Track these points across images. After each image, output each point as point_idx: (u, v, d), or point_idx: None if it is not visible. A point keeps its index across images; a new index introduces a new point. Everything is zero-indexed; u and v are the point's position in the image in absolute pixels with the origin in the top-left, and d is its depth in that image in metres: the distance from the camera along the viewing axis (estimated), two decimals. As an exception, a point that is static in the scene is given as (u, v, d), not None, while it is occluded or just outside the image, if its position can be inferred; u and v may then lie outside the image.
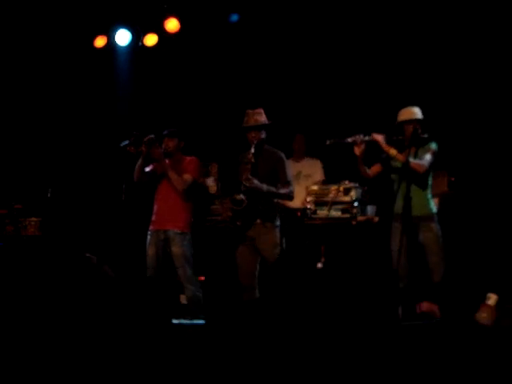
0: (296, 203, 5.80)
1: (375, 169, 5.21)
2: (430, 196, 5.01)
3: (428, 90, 6.11)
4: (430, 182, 5.02)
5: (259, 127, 5.01)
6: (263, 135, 5.04)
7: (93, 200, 7.33)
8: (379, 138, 5.02)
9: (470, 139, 6.01)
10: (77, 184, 7.42)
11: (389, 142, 5.04)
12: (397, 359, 2.16)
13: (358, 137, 5.07)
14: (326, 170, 6.51)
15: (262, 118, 5.05)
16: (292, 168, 5.71)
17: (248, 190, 4.81)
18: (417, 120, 4.99)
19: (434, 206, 5.02)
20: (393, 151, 4.96)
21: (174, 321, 5.59)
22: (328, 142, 5.20)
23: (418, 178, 4.90)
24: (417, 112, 5.04)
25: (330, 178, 6.35)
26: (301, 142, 6.59)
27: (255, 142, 4.96)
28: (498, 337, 2.16)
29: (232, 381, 2.20)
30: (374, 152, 5.15)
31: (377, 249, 5.44)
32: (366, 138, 5.05)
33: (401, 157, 4.91)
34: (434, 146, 4.98)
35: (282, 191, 5.00)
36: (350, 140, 5.10)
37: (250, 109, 5.09)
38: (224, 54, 7.17)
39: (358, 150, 5.06)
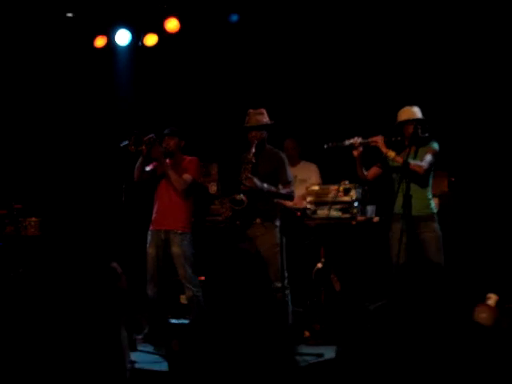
0: (290, 204, 5.83)
1: (374, 171, 5.20)
2: (430, 196, 5.01)
3: (428, 90, 6.10)
4: (430, 182, 5.02)
5: (260, 127, 5.02)
6: (264, 135, 5.05)
7: (93, 200, 7.34)
8: (378, 140, 5.02)
9: (470, 139, 6.01)
10: (77, 184, 7.42)
11: (388, 142, 5.04)
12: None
13: (355, 139, 5.07)
14: (325, 170, 6.49)
15: (264, 119, 5.06)
16: None
17: (248, 189, 4.81)
18: (417, 120, 4.99)
19: (434, 206, 5.02)
20: (391, 153, 4.96)
21: (174, 321, 5.61)
22: (326, 146, 5.22)
23: (418, 178, 4.89)
24: (416, 112, 5.03)
25: (329, 178, 6.34)
26: (292, 146, 6.43)
27: (256, 141, 4.97)
28: (498, 337, 2.16)
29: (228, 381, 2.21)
30: (372, 154, 5.15)
31: (377, 249, 5.44)
32: (364, 140, 5.06)
33: (399, 159, 4.91)
34: (435, 145, 4.98)
35: (283, 191, 5.00)
36: (347, 143, 5.10)
37: (251, 109, 5.10)
38: (224, 54, 7.17)
39: (356, 153, 5.07)
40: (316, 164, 6.47)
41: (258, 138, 4.99)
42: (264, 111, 5.08)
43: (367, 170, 5.20)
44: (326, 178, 6.35)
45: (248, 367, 2.19)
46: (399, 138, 5.04)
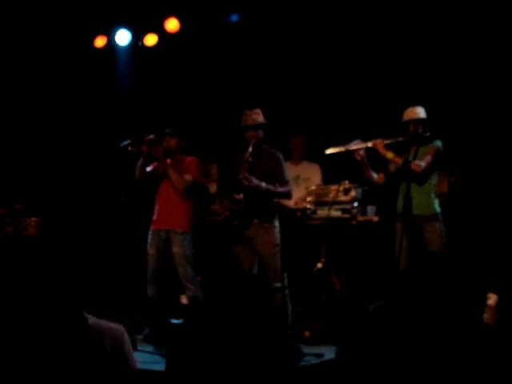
0: (291, 204, 5.85)
1: (383, 175, 5.20)
2: (433, 195, 5.01)
3: (429, 90, 6.10)
4: (433, 182, 5.02)
5: (257, 126, 5.05)
6: (261, 135, 5.08)
7: (93, 200, 7.33)
8: (377, 143, 5.02)
9: (471, 140, 6.01)
10: (77, 184, 7.41)
11: (389, 144, 5.04)
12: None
13: (355, 143, 5.08)
14: (327, 170, 6.49)
15: (260, 118, 5.09)
16: (290, 171, 5.70)
17: (247, 188, 4.82)
18: (418, 120, 4.99)
19: (437, 205, 5.02)
20: (389, 154, 4.97)
21: (174, 321, 5.61)
22: (327, 152, 5.25)
23: (418, 178, 4.90)
24: (419, 112, 5.04)
25: (330, 178, 6.34)
26: (299, 142, 6.48)
27: (253, 141, 4.98)
28: (501, 336, 2.17)
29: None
30: (379, 157, 5.15)
31: (377, 249, 5.44)
32: (363, 145, 5.07)
33: (398, 160, 4.92)
34: (437, 143, 4.98)
35: (281, 190, 5.01)
36: (347, 148, 5.11)
37: (248, 109, 5.11)
38: (224, 54, 7.17)
39: (358, 156, 5.08)
40: (318, 164, 6.48)
41: (256, 138, 5.00)
42: (260, 111, 5.10)
43: (377, 173, 5.20)
44: (328, 178, 6.35)
45: (246, 367, 2.19)
46: (401, 139, 5.05)
